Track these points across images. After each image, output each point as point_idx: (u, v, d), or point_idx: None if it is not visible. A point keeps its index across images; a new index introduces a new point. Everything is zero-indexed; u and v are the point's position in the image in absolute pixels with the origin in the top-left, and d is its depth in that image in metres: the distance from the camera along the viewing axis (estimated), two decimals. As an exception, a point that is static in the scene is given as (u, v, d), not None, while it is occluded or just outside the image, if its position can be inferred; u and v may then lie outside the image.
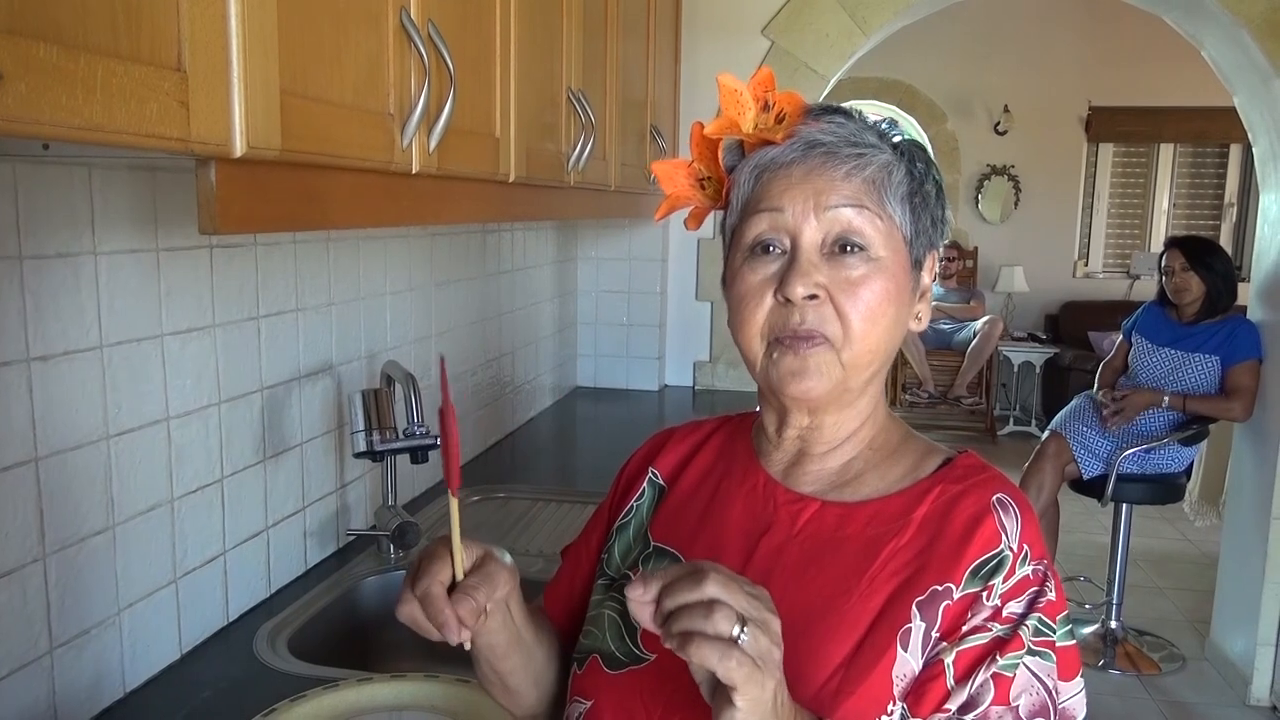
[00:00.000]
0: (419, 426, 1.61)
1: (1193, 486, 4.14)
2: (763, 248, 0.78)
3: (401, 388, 1.63)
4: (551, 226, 2.92)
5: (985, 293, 6.68)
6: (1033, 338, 6.65)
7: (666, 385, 3.36)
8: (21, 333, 1.04)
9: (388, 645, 1.59)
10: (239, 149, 0.77)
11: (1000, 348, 6.41)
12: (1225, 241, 6.55)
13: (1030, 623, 0.73)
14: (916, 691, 0.72)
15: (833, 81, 3.14)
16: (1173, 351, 3.40)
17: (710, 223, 1.32)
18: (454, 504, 0.73)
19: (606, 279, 3.27)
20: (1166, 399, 3.34)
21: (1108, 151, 6.97)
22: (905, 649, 0.73)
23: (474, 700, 1.19)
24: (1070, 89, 6.69)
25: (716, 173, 0.84)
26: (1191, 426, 3.36)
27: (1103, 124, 6.77)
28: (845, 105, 0.84)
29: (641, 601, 0.61)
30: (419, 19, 1.07)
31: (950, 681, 0.72)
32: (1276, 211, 3.15)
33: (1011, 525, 0.76)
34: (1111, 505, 3.50)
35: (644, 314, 3.27)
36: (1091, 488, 3.49)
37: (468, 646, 0.75)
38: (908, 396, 6.48)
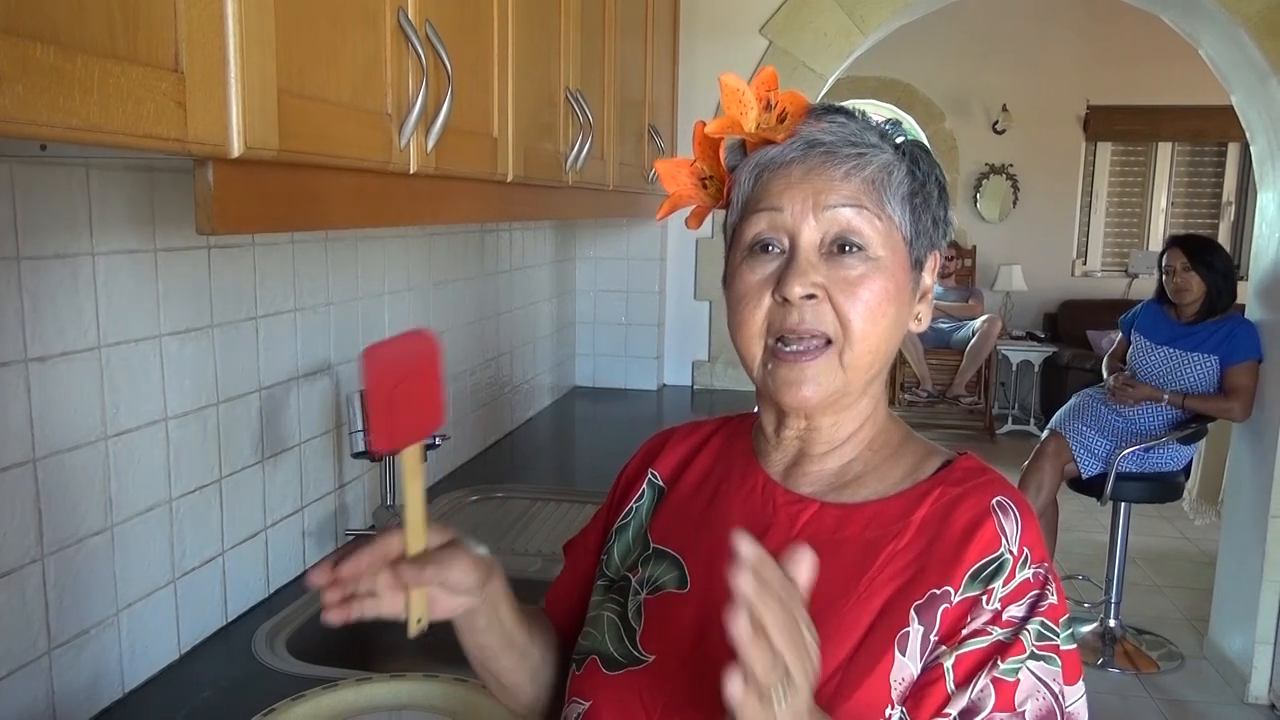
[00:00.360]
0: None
1: (1191, 485, 4.15)
2: (762, 247, 0.78)
3: (400, 388, 1.62)
4: (550, 226, 2.92)
5: (984, 291, 6.67)
6: (1031, 336, 6.65)
7: (665, 385, 3.36)
8: (19, 333, 1.04)
9: (387, 645, 1.58)
10: (236, 149, 0.77)
11: (999, 346, 6.41)
12: (1223, 240, 6.55)
13: (1032, 627, 0.72)
14: (915, 695, 0.72)
15: (831, 81, 3.14)
16: (1172, 350, 3.40)
17: (710, 222, 1.31)
18: (406, 468, 0.69)
19: (605, 278, 3.26)
20: (1166, 396, 3.35)
21: (1106, 150, 6.98)
22: (903, 653, 0.72)
23: (473, 700, 1.18)
24: (1068, 88, 6.70)
25: (718, 172, 0.84)
26: (1190, 425, 3.37)
27: (1101, 123, 6.78)
28: (849, 105, 0.83)
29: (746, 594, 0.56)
30: (416, 19, 1.07)
31: (950, 685, 0.71)
32: (1274, 210, 3.15)
33: (1011, 528, 0.76)
34: (1110, 504, 3.50)
35: (642, 313, 3.27)
36: (1091, 486, 3.50)
37: (345, 620, 0.72)
38: (906, 395, 6.49)
